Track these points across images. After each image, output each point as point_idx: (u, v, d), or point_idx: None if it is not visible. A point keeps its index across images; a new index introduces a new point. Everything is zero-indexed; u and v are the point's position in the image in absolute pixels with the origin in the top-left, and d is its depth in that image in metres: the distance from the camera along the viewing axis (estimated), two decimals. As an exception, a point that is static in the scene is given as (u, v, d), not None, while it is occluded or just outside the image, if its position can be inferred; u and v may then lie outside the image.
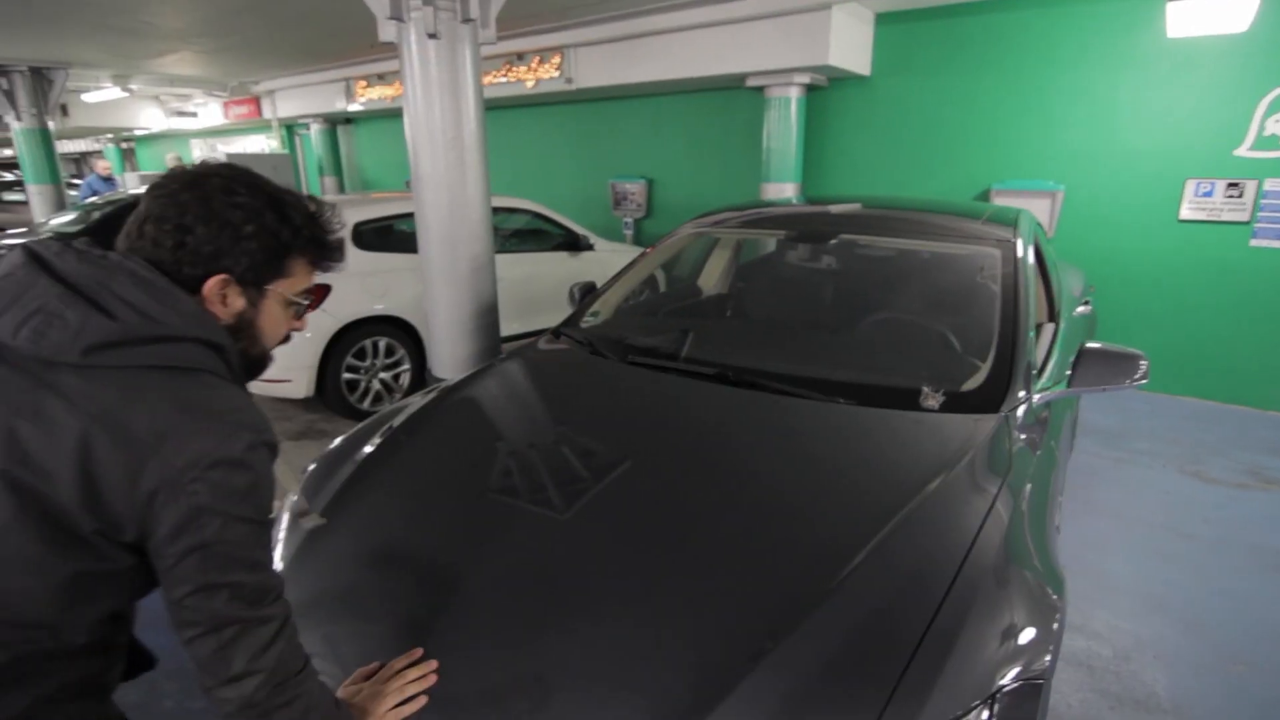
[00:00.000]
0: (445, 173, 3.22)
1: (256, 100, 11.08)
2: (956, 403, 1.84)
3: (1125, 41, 4.56)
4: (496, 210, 5.48)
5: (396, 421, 2.01)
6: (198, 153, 14.51)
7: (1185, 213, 4.65)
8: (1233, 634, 2.46)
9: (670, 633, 1.24)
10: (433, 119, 3.17)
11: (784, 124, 5.79)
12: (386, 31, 3.13)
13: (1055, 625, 1.29)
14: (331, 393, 4.28)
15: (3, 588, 0.84)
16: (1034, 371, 1.97)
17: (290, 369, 4.10)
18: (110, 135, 15.31)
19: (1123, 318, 4.99)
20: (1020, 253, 2.33)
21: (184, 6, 6.06)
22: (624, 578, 1.37)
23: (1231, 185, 4.47)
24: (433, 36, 3.04)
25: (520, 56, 6.96)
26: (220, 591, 0.88)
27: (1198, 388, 4.84)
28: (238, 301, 0.98)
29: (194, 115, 12.07)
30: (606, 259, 5.58)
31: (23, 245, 0.89)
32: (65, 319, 0.83)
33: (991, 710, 1.11)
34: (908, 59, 5.57)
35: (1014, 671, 1.17)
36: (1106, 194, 4.91)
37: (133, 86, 9.71)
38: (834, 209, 2.79)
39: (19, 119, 8.26)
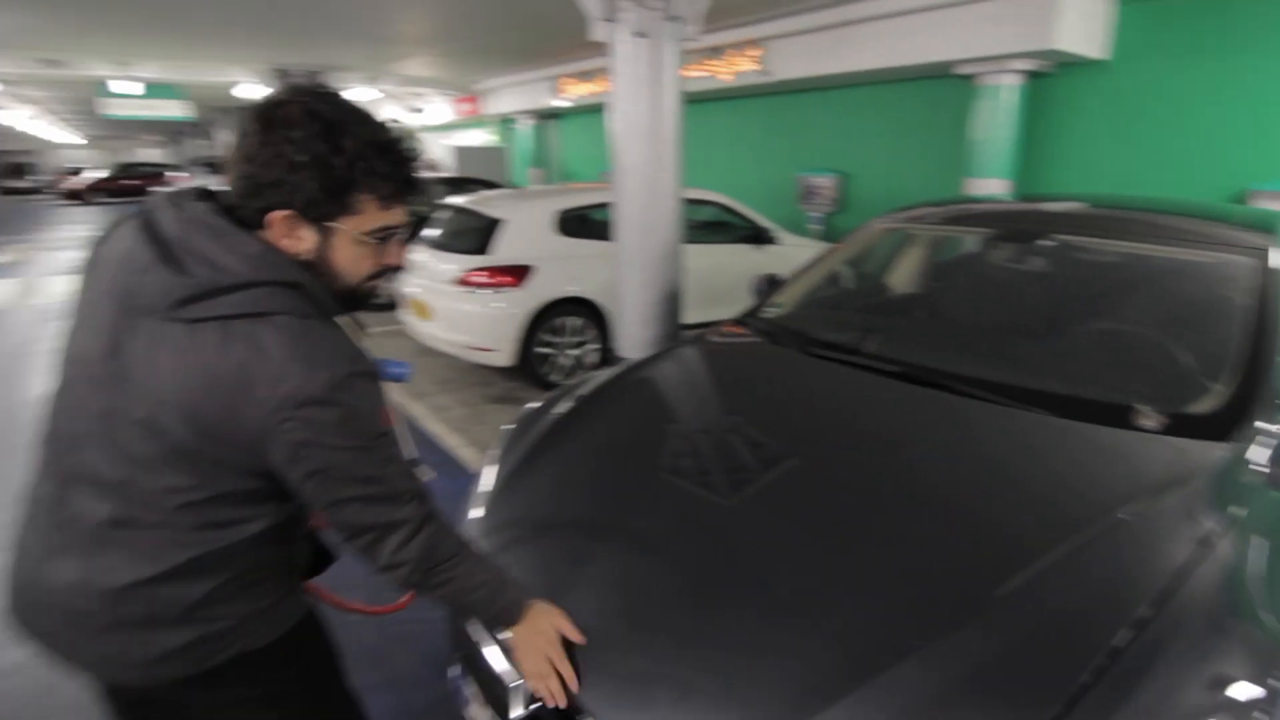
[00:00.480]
0: (644, 164, 3.41)
1: (477, 98, 12.24)
2: (1177, 425, 1.66)
3: None
4: (685, 202, 5.68)
5: (583, 391, 2.20)
6: (429, 146, 16.36)
7: None
8: None
9: (827, 616, 1.28)
10: (636, 113, 3.37)
11: (996, 115, 5.38)
12: (598, 31, 3.36)
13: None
14: (526, 364, 4.70)
15: (168, 507, 0.93)
16: (1274, 403, 1.72)
17: (496, 340, 4.56)
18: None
19: None
20: (1270, 262, 2.02)
21: (425, 13, 6.88)
22: (786, 561, 1.42)
23: None
24: (640, 35, 3.22)
25: (716, 50, 7.07)
26: (347, 505, 0.96)
27: None
28: (309, 236, 0.95)
29: (420, 111, 13.60)
30: (790, 254, 5.54)
31: (142, 205, 0.98)
32: (156, 277, 0.89)
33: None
34: (1158, 40, 4.92)
35: (1219, 722, 1.07)
36: None
37: (385, 87, 11.16)
38: (1047, 207, 2.58)
39: (296, 116, 9.86)
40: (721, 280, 5.35)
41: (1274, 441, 1.63)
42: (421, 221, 5.74)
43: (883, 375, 2.01)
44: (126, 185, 22.36)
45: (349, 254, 0.98)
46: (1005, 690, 1.13)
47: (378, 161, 0.93)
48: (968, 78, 5.49)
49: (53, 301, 7.96)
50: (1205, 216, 2.47)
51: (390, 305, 5.50)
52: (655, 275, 3.57)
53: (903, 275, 2.96)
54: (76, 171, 26.33)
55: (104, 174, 24.12)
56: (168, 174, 21.83)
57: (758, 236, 5.68)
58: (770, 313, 2.64)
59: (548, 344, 4.75)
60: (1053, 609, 1.23)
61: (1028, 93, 5.38)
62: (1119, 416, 1.71)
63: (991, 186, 5.54)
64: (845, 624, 1.26)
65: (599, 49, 3.47)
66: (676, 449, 1.88)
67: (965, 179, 5.64)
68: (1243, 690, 1.14)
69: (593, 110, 9.78)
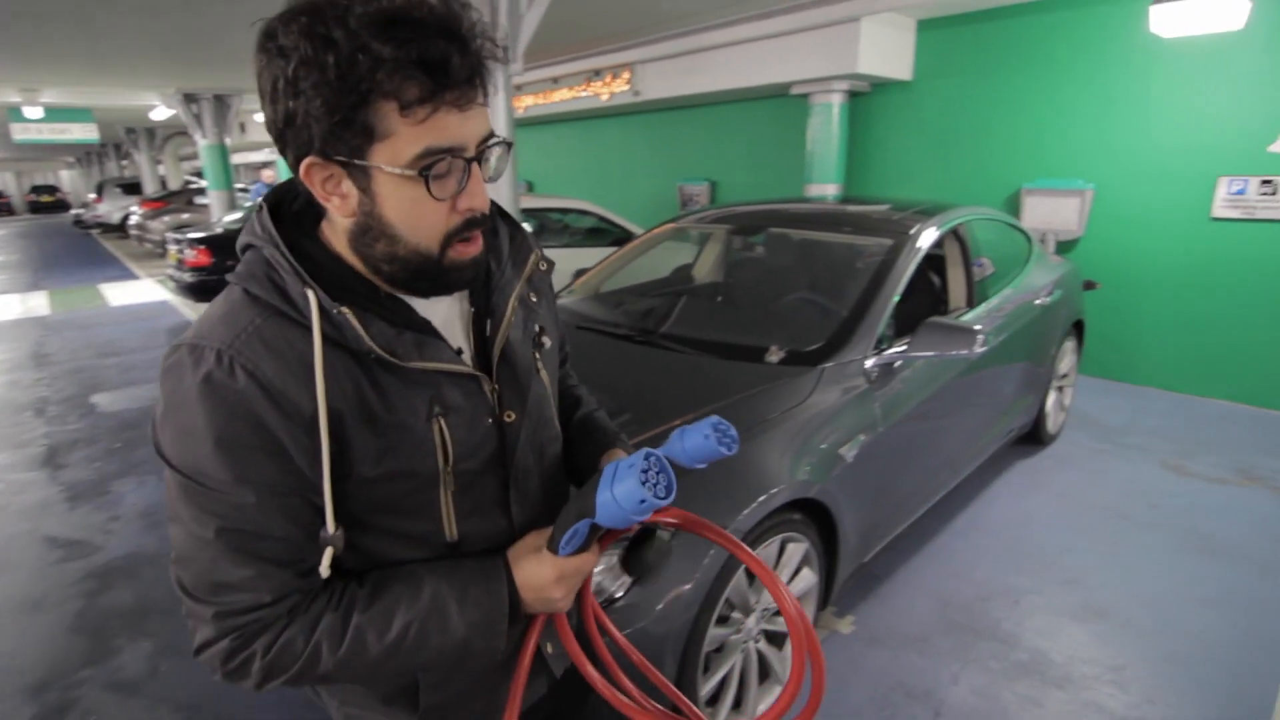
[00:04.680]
0: (478, 179, 4.00)
1: (391, 116, 12.65)
2: (791, 359, 2.32)
3: (1154, 39, 4.56)
4: (563, 210, 6.36)
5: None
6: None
7: (1218, 210, 4.59)
8: (1111, 594, 2.70)
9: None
10: (471, 136, 3.95)
11: (826, 128, 6.15)
12: (437, 68, 3.94)
13: (766, 495, 1.79)
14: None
15: None
16: (871, 340, 2.39)
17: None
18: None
19: (1155, 316, 4.96)
20: (914, 243, 2.72)
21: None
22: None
23: (1265, 182, 4.39)
24: (468, 71, 3.81)
25: (597, 73, 7.73)
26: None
27: (1231, 390, 4.73)
28: (348, 187, 0.68)
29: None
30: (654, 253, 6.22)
31: None
32: None
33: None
34: (948, 63, 5.77)
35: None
36: (1137, 193, 4.90)
37: (292, 107, 11.48)
38: (773, 208, 3.27)
39: (204, 137, 10.12)
40: (587, 279, 6.00)
41: (857, 364, 2.31)
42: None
43: (618, 339, 2.64)
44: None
45: (399, 203, 0.68)
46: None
47: (384, 44, 0.60)
48: (802, 97, 6.26)
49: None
50: (896, 208, 3.16)
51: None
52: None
53: (666, 264, 3.64)
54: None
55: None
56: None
57: (624, 239, 6.33)
58: (564, 298, 3.26)
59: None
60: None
61: (850, 109, 6.17)
62: (758, 355, 2.37)
63: (826, 190, 6.31)
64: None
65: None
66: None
67: (805, 185, 6.40)
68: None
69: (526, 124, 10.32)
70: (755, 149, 7.41)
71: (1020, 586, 2.74)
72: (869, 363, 2.35)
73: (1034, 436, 3.90)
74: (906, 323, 2.57)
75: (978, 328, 2.35)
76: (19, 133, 10.80)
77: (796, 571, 2.12)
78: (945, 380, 2.69)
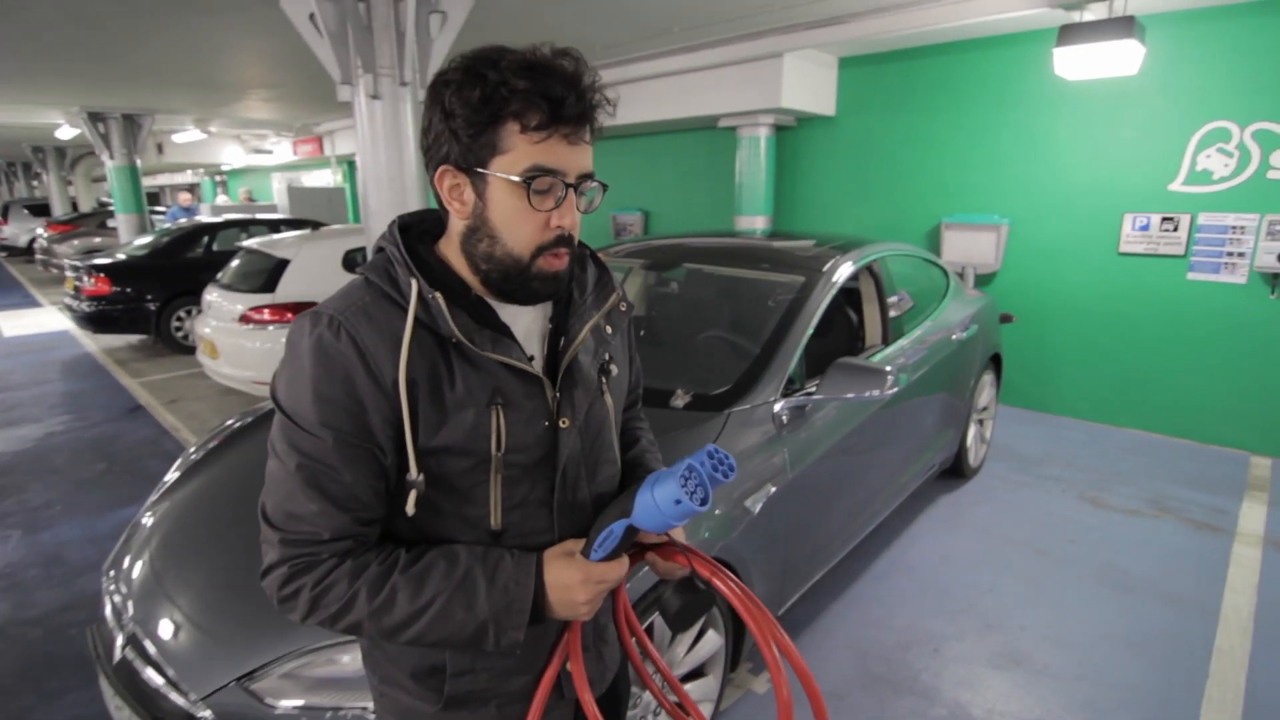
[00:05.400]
0: (387, 208, 3.80)
1: (320, 139, 12.28)
2: (697, 403, 2.20)
3: (1061, 81, 4.71)
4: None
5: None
6: (277, 185, 16.01)
7: (1125, 246, 4.74)
8: (1030, 638, 2.64)
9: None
10: (379, 164, 3.76)
11: (754, 161, 6.17)
12: (342, 94, 3.75)
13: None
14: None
15: None
16: (780, 382, 2.29)
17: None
18: (203, 169, 17.11)
19: (1069, 348, 5.08)
20: (828, 280, 2.65)
21: (233, 65, 7.03)
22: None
23: (1166, 219, 4.55)
24: (374, 98, 3.63)
25: (528, 100, 7.63)
26: None
27: (1141, 420, 4.86)
28: (469, 193, 0.85)
29: (269, 153, 13.43)
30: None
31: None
32: None
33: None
34: (869, 100, 5.87)
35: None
36: (1050, 228, 5.04)
37: (211, 129, 11.00)
38: (690, 242, 3.18)
39: (113, 158, 9.57)
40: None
41: (765, 408, 2.20)
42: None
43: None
44: None
45: (505, 209, 0.84)
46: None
47: (520, 80, 0.78)
48: (731, 129, 6.28)
49: None
50: (815, 243, 3.11)
51: (190, 348, 5.55)
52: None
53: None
54: None
55: None
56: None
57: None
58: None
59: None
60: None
61: (777, 143, 6.22)
62: (665, 399, 2.24)
63: (755, 222, 6.32)
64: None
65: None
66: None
67: (735, 216, 6.40)
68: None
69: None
70: (687, 180, 7.41)
71: (940, 633, 2.66)
72: (778, 406, 2.25)
73: (956, 470, 3.89)
74: (823, 360, 2.48)
75: (888, 368, 2.28)
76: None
77: (701, 634, 1.98)
78: (861, 419, 2.62)
